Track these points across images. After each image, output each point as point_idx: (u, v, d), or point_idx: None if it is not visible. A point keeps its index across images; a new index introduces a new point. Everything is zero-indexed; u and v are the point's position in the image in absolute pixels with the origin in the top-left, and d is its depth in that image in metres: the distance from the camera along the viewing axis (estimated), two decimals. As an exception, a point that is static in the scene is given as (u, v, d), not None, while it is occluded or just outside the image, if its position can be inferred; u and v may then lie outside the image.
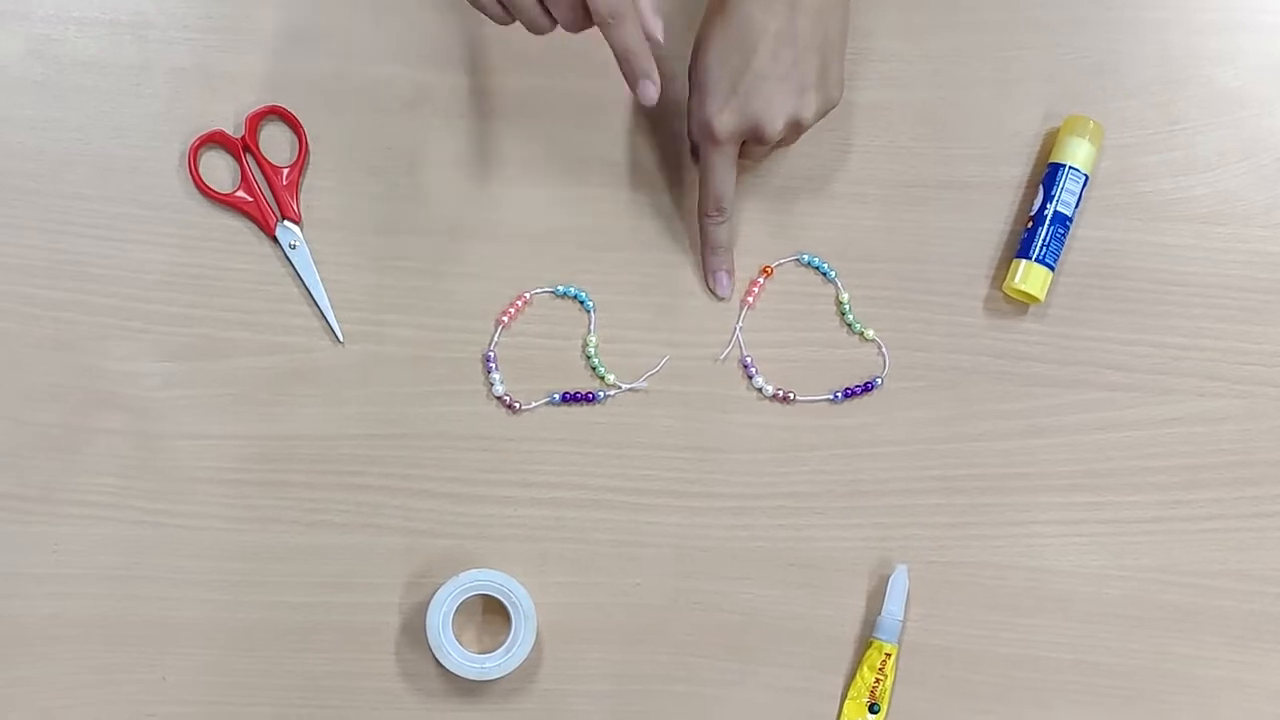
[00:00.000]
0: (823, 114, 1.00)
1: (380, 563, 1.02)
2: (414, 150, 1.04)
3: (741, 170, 1.02)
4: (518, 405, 1.03)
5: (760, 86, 0.97)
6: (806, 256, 1.04)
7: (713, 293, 1.04)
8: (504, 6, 0.91)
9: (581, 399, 1.03)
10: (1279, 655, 1.04)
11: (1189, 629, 1.04)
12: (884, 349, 1.04)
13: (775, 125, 0.98)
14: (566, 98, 1.05)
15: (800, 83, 0.98)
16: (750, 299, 1.04)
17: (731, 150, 1.00)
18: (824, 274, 1.04)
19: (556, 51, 1.05)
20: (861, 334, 1.04)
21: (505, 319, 1.03)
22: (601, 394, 1.04)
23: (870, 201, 1.06)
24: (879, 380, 1.04)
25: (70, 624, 1.01)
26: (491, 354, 1.03)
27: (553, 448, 1.03)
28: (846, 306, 1.04)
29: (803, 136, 1.01)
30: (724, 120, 0.98)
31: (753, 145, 1.00)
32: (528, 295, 1.04)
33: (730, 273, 1.04)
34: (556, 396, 1.03)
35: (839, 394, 1.04)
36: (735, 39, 0.97)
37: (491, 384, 1.03)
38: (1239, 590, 1.04)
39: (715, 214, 1.02)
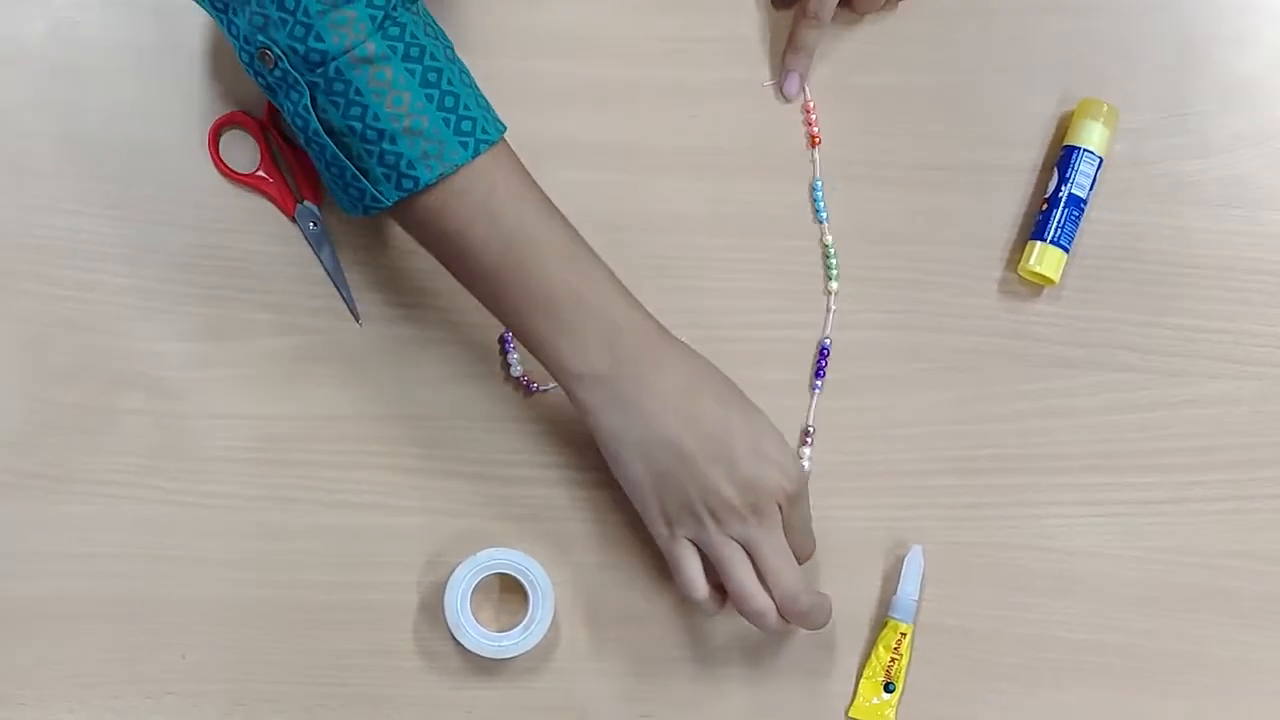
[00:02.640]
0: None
1: (399, 542, 1.02)
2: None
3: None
4: (535, 386, 1.04)
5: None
6: None
7: (781, 92, 1.05)
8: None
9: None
10: (1293, 636, 1.05)
11: (1203, 609, 1.04)
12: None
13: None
14: (584, 82, 1.06)
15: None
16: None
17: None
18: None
19: (578, 36, 1.05)
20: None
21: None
22: (619, 375, 1.04)
23: (886, 184, 1.06)
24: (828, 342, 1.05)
25: (91, 602, 1.01)
26: (509, 335, 1.04)
27: (570, 428, 1.03)
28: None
29: None
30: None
31: None
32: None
33: (804, 76, 1.05)
34: (574, 377, 1.04)
35: (818, 381, 1.05)
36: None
37: (509, 365, 1.04)
38: (1253, 571, 1.05)
39: (813, 17, 1.02)
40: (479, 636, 1.00)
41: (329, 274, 1.03)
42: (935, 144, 1.06)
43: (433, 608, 1.02)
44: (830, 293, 1.05)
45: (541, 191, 0.95)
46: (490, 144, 0.92)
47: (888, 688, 1.03)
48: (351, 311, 1.03)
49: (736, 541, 0.96)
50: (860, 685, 1.03)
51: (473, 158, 0.92)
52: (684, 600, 0.99)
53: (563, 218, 0.96)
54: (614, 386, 0.94)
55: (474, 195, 0.92)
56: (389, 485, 1.03)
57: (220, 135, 1.04)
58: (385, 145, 0.91)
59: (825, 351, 1.05)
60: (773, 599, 0.97)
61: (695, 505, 0.95)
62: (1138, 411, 1.05)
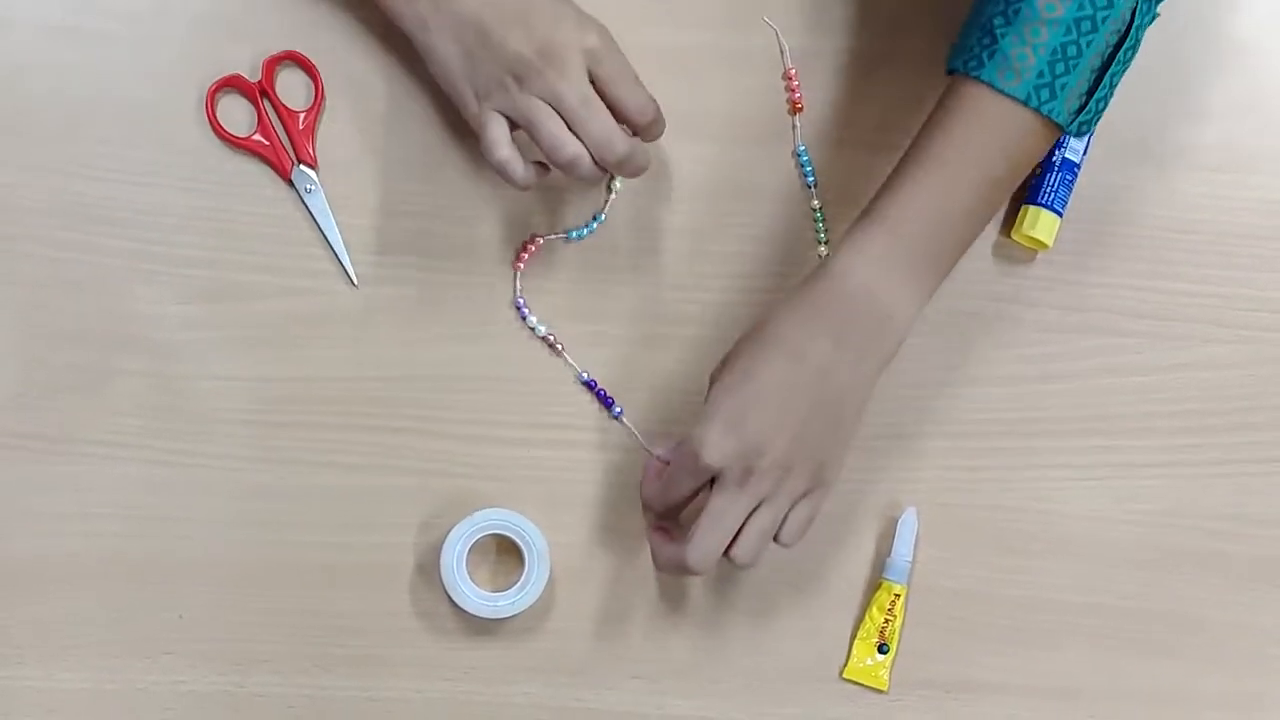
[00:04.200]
0: (814, 481, 0.96)
1: (395, 503, 1.03)
2: (429, 96, 1.05)
3: None
4: (561, 346, 1.04)
5: (765, 421, 0.94)
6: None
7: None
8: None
9: (594, 342, 1.04)
10: (1284, 598, 1.05)
11: (1196, 572, 1.05)
12: None
13: (771, 453, 0.94)
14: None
15: (802, 437, 0.95)
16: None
17: (704, 477, 0.96)
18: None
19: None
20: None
21: (520, 264, 1.04)
22: (615, 337, 1.05)
23: (882, 149, 1.06)
24: None
25: (89, 562, 1.02)
26: (521, 299, 1.04)
27: (566, 389, 1.04)
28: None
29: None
30: (720, 446, 0.94)
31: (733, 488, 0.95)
32: (541, 240, 1.05)
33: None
34: (569, 340, 1.04)
35: None
36: (753, 380, 0.95)
37: (533, 328, 1.04)
38: (1244, 534, 1.05)
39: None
40: (475, 597, 1.01)
41: (325, 237, 1.04)
42: (925, 109, 1.06)
43: (429, 568, 1.02)
44: (821, 257, 1.06)
45: None
46: None
47: (881, 649, 1.03)
48: (347, 274, 1.04)
49: (543, 100, 0.96)
50: (854, 646, 1.03)
51: None
52: (497, 175, 0.98)
53: None
54: None
55: None
56: (385, 446, 1.03)
57: (217, 98, 1.04)
58: None
59: None
60: (588, 150, 0.96)
61: (498, 73, 0.96)
62: (1131, 375, 1.06)
